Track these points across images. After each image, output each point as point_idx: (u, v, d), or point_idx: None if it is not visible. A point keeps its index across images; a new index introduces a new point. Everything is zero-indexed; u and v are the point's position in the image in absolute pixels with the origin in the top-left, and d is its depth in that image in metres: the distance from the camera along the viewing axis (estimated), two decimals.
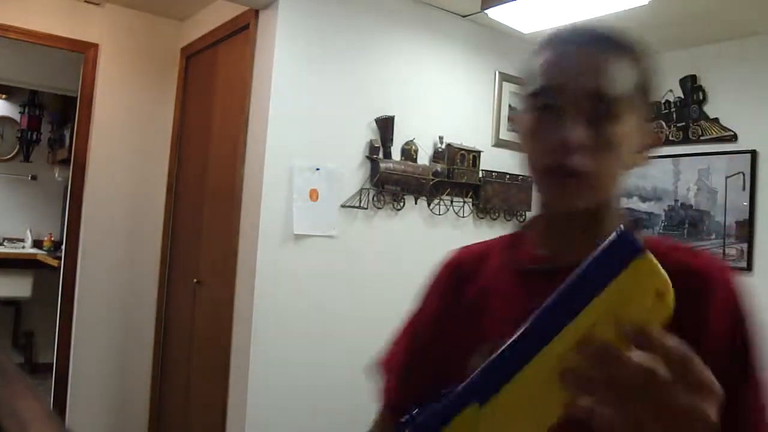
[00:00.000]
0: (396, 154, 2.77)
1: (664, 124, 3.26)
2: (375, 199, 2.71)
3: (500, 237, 0.87)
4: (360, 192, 2.66)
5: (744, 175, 2.96)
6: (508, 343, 0.46)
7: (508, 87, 3.22)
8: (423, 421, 0.50)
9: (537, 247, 0.79)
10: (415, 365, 0.84)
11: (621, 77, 0.69)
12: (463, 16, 3.03)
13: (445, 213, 2.94)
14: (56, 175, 5.37)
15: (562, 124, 0.68)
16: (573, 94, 0.68)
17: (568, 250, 0.73)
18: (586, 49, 0.70)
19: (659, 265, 0.43)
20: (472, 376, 0.47)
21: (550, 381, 0.42)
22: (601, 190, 0.71)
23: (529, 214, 3.30)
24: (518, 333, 0.46)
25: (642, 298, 0.43)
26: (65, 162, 4.69)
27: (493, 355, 0.46)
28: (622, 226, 0.46)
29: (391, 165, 2.69)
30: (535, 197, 0.80)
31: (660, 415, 0.42)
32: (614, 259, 0.43)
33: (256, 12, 2.64)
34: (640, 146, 0.73)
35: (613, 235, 0.45)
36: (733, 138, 3.01)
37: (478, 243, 0.89)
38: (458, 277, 0.84)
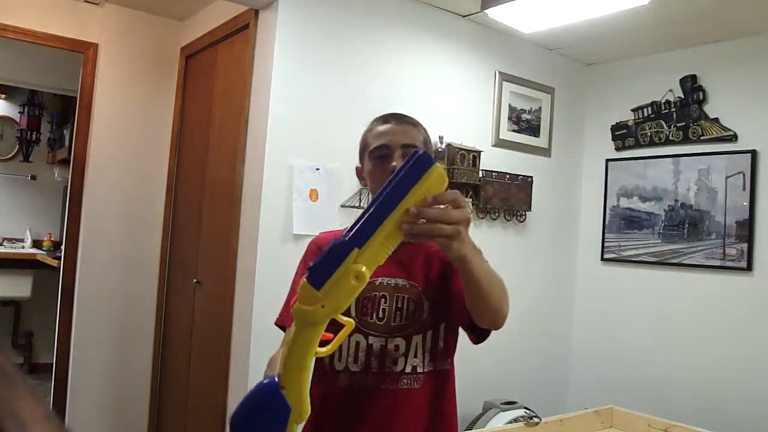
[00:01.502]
0: None
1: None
2: None
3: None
4: (360, 192, 2.66)
5: (744, 175, 2.96)
6: (369, 212, 0.77)
7: (508, 87, 3.22)
8: (323, 263, 0.77)
9: None
10: None
11: (416, 137, 1.30)
12: (463, 16, 3.03)
13: None
14: (56, 175, 5.37)
15: (392, 162, 1.24)
16: (396, 146, 1.26)
17: None
18: (399, 125, 1.31)
19: (440, 166, 0.79)
20: (349, 234, 0.76)
21: (394, 231, 0.78)
22: None
23: (529, 214, 3.30)
24: (373, 207, 0.77)
25: (435, 183, 0.79)
26: (65, 162, 4.69)
27: (360, 222, 0.77)
28: (419, 151, 0.79)
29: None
30: None
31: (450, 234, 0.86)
32: (422, 164, 0.78)
33: (256, 12, 2.64)
34: None
35: (415, 155, 0.78)
36: (733, 138, 3.01)
37: (335, 230, 1.33)
38: (320, 249, 1.29)
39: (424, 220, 0.82)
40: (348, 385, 1.25)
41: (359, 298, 1.23)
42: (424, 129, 1.35)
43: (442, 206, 0.83)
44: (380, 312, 1.26)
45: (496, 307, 1.09)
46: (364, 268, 0.76)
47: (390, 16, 2.81)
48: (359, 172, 1.39)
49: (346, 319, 0.82)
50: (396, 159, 1.26)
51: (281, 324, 1.34)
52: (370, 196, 1.25)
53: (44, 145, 5.44)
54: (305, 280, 0.78)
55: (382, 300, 1.27)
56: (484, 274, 1.02)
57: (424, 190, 0.78)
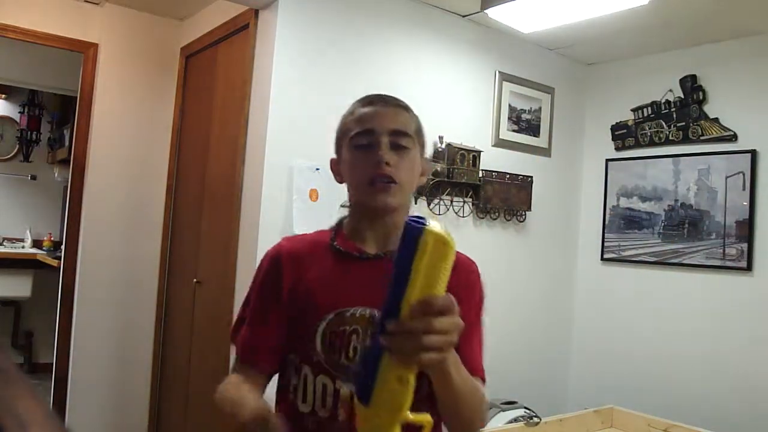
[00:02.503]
0: None
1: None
2: None
3: (321, 231, 1.18)
4: None
5: (744, 175, 2.96)
6: (384, 305, 0.72)
7: (508, 87, 3.22)
8: (361, 376, 0.73)
9: (353, 239, 1.12)
10: (262, 334, 1.10)
11: (408, 123, 1.10)
12: (463, 16, 3.03)
13: (445, 213, 2.95)
14: (56, 175, 5.37)
15: (377, 151, 1.04)
16: (383, 132, 1.05)
17: (376, 241, 1.11)
18: (386, 107, 1.10)
19: (437, 228, 0.70)
20: (373, 336, 0.74)
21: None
22: (405, 194, 1.09)
23: (529, 214, 3.30)
24: (386, 298, 0.72)
25: (437, 249, 0.70)
26: (65, 162, 4.69)
27: (381, 318, 0.72)
28: (408, 218, 0.72)
29: None
30: (354, 205, 1.15)
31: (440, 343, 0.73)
32: (412, 236, 0.70)
33: (256, 12, 2.64)
34: (421, 171, 1.13)
35: (406, 224, 0.71)
36: (733, 138, 3.01)
37: (305, 234, 1.22)
38: (279, 266, 1.11)
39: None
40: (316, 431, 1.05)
41: (326, 332, 1.05)
42: (416, 116, 1.15)
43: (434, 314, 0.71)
44: (350, 350, 1.04)
45: (469, 421, 0.97)
46: (404, 370, 0.72)
47: (390, 16, 2.81)
48: (334, 165, 1.19)
49: (419, 417, 0.76)
50: (383, 148, 1.04)
51: (234, 340, 1.14)
52: (346, 194, 1.12)
53: (44, 145, 5.44)
54: (355, 398, 0.75)
55: (353, 336, 1.04)
56: (462, 387, 0.88)
57: (427, 265, 0.70)
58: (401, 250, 0.71)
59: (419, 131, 1.13)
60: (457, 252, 1.07)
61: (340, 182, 1.16)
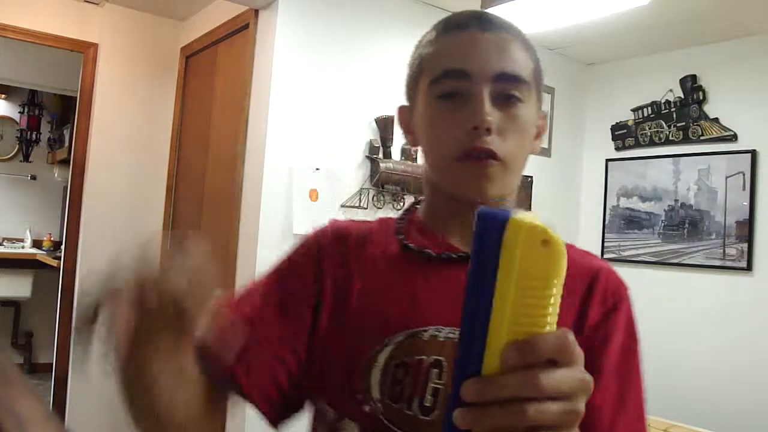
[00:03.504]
0: (396, 154, 2.76)
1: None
2: (375, 199, 2.71)
3: (385, 219, 0.81)
4: (360, 192, 2.66)
5: (744, 175, 2.96)
6: (458, 357, 0.43)
7: None
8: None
9: (431, 232, 0.75)
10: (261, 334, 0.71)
11: (523, 61, 0.69)
12: None
13: None
14: (56, 175, 5.37)
15: (474, 107, 0.66)
16: (483, 76, 0.67)
17: (464, 234, 0.73)
18: (490, 33, 0.69)
19: (527, 218, 0.42)
20: (447, 405, 0.44)
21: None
22: (514, 174, 0.72)
23: None
24: (459, 345, 0.43)
25: (534, 252, 0.42)
26: (65, 162, 4.69)
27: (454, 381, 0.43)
28: (479, 209, 0.43)
29: (391, 165, 2.69)
30: (432, 185, 0.76)
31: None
32: (490, 234, 0.42)
33: (256, 12, 2.64)
34: (536, 133, 0.74)
35: (475, 219, 0.43)
36: (733, 138, 3.01)
37: (363, 221, 0.81)
38: (321, 250, 0.76)
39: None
40: None
41: (390, 364, 0.66)
42: (533, 46, 0.73)
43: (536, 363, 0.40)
44: (428, 395, 0.65)
45: None
46: None
47: (389, 16, 2.81)
48: (402, 117, 0.82)
49: None
50: (483, 103, 0.66)
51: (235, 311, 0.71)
52: (419, 156, 0.69)
53: (44, 145, 5.44)
54: None
55: (432, 371, 0.65)
56: None
57: (520, 281, 0.41)
58: (475, 260, 0.43)
59: (537, 72, 0.72)
60: (597, 258, 0.76)
61: (413, 144, 0.78)
